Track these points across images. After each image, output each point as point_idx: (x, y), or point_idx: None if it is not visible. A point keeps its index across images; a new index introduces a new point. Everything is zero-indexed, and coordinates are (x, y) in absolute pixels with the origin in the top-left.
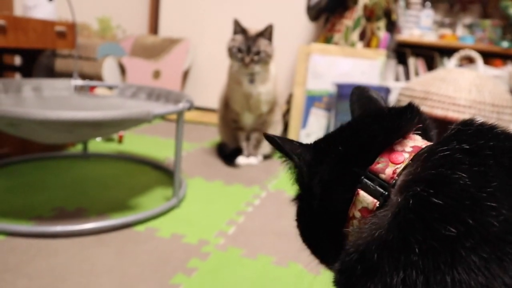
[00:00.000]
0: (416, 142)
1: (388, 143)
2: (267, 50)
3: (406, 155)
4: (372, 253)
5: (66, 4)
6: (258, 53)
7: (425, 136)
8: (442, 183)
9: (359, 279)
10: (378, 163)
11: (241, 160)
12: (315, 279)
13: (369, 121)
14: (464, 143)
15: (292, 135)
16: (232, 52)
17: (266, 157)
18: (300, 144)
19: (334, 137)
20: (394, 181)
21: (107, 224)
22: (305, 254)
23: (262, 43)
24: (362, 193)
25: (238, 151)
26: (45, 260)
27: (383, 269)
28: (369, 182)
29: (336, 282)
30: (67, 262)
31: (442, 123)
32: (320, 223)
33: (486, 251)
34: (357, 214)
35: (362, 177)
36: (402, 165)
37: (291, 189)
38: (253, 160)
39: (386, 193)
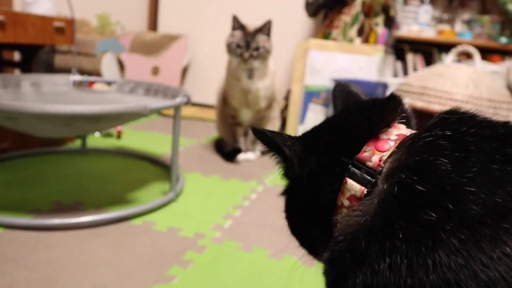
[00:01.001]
0: (400, 130)
1: (373, 132)
2: (266, 46)
3: (392, 143)
4: (360, 241)
5: (65, 0)
6: (257, 48)
7: (408, 125)
8: (425, 170)
9: (348, 268)
10: (365, 151)
11: (239, 155)
12: (308, 271)
13: (354, 111)
14: (447, 130)
15: (290, 131)
16: (231, 48)
17: (264, 152)
18: (290, 136)
19: (322, 129)
20: (380, 168)
21: (104, 217)
22: (300, 247)
23: (261, 39)
24: (350, 181)
25: (238, 150)
26: (43, 252)
27: (370, 257)
28: (357, 170)
29: (326, 272)
30: (65, 254)
31: None
32: (309, 214)
33: (465, 234)
34: (346, 202)
35: (350, 166)
36: (388, 153)
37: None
38: (250, 155)
39: (373, 180)
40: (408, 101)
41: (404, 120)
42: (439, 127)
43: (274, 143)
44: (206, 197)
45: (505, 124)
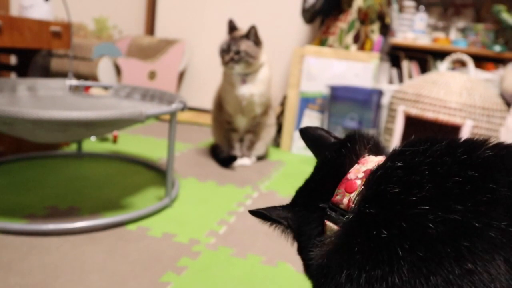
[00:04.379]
0: (367, 165)
1: (341, 175)
2: (248, 51)
3: (359, 182)
4: (324, 257)
5: (62, 4)
6: (237, 52)
7: (378, 151)
8: (376, 197)
9: (319, 281)
10: (337, 195)
11: (234, 162)
12: (303, 279)
13: (321, 161)
14: (399, 161)
15: (285, 137)
16: (219, 52)
17: (259, 158)
18: (283, 207)
19: (302, 189)
20: (351, 208)
21: (99, 223)
22: (294, 254)
23: (244, 43)
24: (328, 223)
25: (234, 158)
26: (37, 258)
27: (332, 269)
28: (332, 213)
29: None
30: (59, 259)
31: (433, 126)
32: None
33: (423, 251)
34: None
35: (327, 209)
36: (356, 192)
37: (283, 190)
38: (246, 161)
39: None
40: (402, 108)
41: (372, 150)
42: (391, 161)
43: (273, 219)
44: (201, 202)
45: (467, 146)
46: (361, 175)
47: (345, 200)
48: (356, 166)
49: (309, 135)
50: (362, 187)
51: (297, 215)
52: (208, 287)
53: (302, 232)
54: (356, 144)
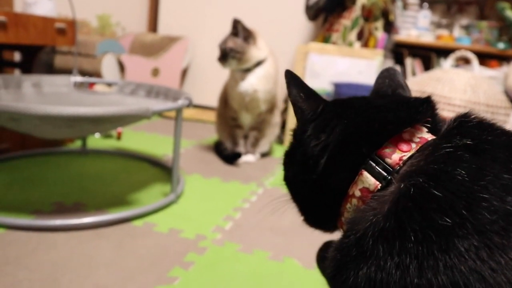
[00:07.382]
0: (423, 134)
1: (397, 130)
2: (233, 47)
3: (413, 145)
4: (369, 238)
5: (66, 1)
6: (224, 50)
7: (433, 130)
8: (443, 178)
9: (353, 259)
10: (386, 147)
11: (239, 160)
12: (309, 274)
13: (388, 106)
14: (466, 138)
15: (289, 134)
16: None
17: (264, 155)
18: (326, 102)
19: (355, 109)
20: (398, 167)
21: (105, 219)
22: (300, 250)
23: (231, 41)
24: (365, 173)
25: (238, 155)
26: (44, 253)
27: (377, 253)
28: (374, 165)
29: (332, 257)
30: (66, 255)
31: None
32: (316, 188)
33: (476, 239)
34: (357, 193)
35: (368, 159)
36: (409, 154)
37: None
38: (250, 157)
39: (389, 177)
40: None
41: (428, 125)
42: (459, 135)
43: (308, 98)
44: (207, 199)
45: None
46: (416, 139)
47: (395, 156)
48: (411, 129)
49: (390, 76)
50: (416, 152)
51: (332, 129)
52: (215, 282)
53: (329, 163)
54: (425, 111)
